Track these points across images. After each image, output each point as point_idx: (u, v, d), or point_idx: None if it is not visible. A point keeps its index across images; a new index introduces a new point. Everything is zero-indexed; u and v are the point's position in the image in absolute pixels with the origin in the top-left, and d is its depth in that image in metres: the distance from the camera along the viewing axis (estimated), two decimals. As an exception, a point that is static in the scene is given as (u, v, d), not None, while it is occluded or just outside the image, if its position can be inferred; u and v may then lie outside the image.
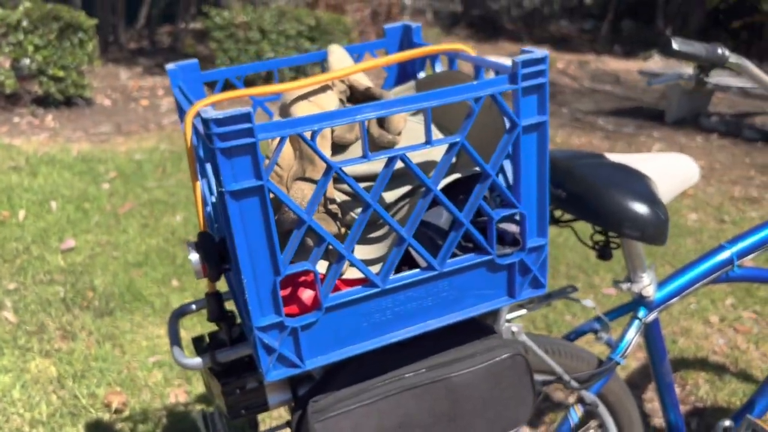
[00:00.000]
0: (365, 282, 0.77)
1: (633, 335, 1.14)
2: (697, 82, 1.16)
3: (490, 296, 0.83)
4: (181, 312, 0.95)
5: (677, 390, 2.04)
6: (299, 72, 5.65)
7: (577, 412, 1.13)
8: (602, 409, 1.22)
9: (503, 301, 0.84)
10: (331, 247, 0.78)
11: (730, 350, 2.24)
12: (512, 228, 0.81)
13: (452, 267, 0.78)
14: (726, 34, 7.77)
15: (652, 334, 1.19)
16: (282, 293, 0.76)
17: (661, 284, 1.17)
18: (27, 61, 4.87)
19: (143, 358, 2.11)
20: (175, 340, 0.88)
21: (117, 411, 1.87)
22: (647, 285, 1.12)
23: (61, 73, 4.92)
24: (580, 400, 1.12)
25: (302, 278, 0.78)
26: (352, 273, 0.79)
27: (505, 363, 0.90)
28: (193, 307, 0.96)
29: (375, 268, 0.79)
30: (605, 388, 1.18)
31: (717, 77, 4.94)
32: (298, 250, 0.78)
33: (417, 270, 0.78)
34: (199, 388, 1.99)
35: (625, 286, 1.14)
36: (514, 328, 0.98)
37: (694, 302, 2.53)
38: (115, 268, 2.67)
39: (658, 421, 1.90)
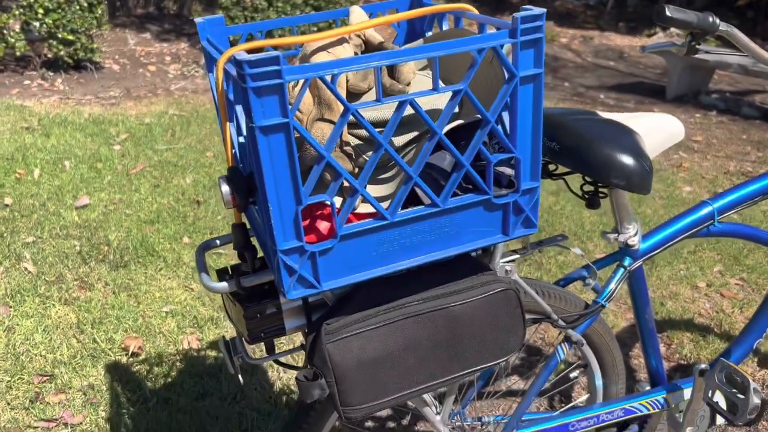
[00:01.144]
0: (376, 216, 0.86)
1: (618, 281, 1.24)
2: (689, 49, 1.24)
3: (487, 233, 0.92)
4: (207, 245, 1.05)
5: (663, 348, 2.15)
6: (319, 30, 5.68)
7: (563, 350, 1.23)
8: (587, 349, 1.32)
9: (498, 238, 0.93)
10: (346, 184, 0.88)
11: (715, 313, 2.35)
12: (508, 171, 0.90)
13: (453, 204, 0.87)
14: (731, 13, 7.77)
15: (636, 282, 1.29)
16: (302, 224, 0.86)
17: (645, 236, 1.26)
18: (36, 24, 4.92)
19: (157, 307, 2.22)
20: (202, 268, 0.98)
21: (134, 354, 1.99)
22: (633, 235, 1.22)
23: (70, 37, 4.97)
24: (567, 339, 1.22)
25: (319, 212, 0.87)
26: (364, 208, 0.88)
27: (499, 296, 1.00)
28: (218, 242, 1.06)
29: (384, 205, 0.88)
30: (590, 329, 1.28)
31: (718, 55, 4.99)
32: (317, 186, 0.87)
33: (422, 206, 0.87)
34: (211, 335, 2.10)
35: (612, 236, 1.24)
36: (508, 267, 1.08)
37: (684, 268, 2.63)
38: (129, 224, 2.77)
39: (643, 376, 2.01)
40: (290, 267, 0.82)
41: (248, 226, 1.00)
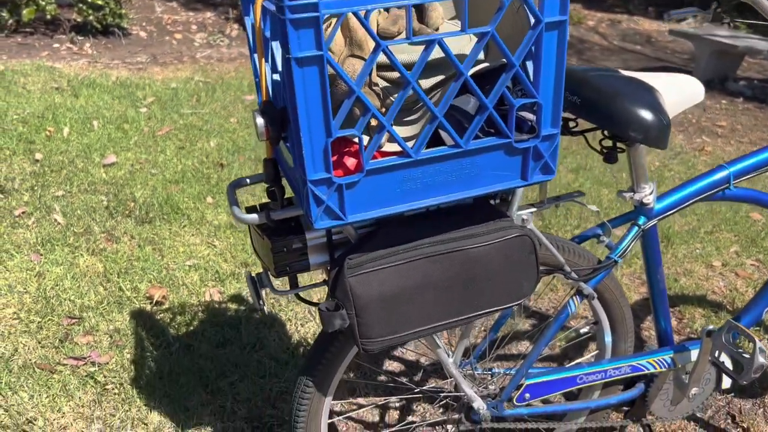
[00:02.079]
0: (401, 154, 0.90)
1: (631, 239, 1.27)
2: (714, 16, 1.26)
3: (506, 177, 0.96)
4: (237, 183, 1.10)
5: (674, 322, 2.18)
6: None
7: (575, 303, 1.27)
8: (597, 305, 1.36)
9: (517, 183, 0.97)
10: (374, 123, 0.92)
11: (728, 292, 2.37)
12: (529, 117, 0.94)
13: (475, 146, 0.91)
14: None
15: (649, 242, 1.33)
16: (331, 159, 0.90)
17: (660, 197, 1.29)
18: (67, -13, 4.99)
19: (181, 261, 2.29)
20: (233, 201, 1.03)
21: (158, 303, 2.06)
22: (648, 194, 1.25)
23: (99, 2, 5.03)
24: (579, 293, 1.26)
25: (347, 149, 0.92)
26: (390, 147, 0.92)
27: (515, 241, 1.04)
28: (248, 180, 1.11)
29: (409, 144, 0.92)
30: (602, 285, 1.32)
31: (749, 41, 4.92)
32: (346, 121, 0.91)
33: (445, 147, 0.91)
34: (232, 290, 2.17)
35: (627, 195, 1.27)
36: (525, 216, 1.12)
37: (700, 247, 2.65)
38: (154, 183, 2.84)
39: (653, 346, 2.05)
40: (318, 197, 0.87)
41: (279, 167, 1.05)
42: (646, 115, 1.06)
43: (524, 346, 1.99)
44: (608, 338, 1.43)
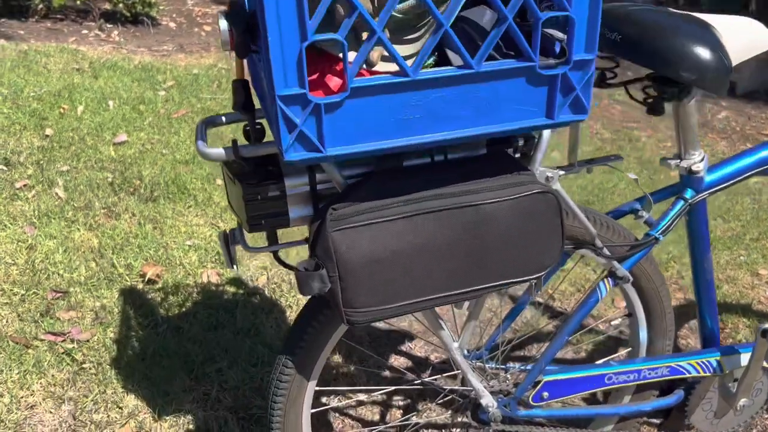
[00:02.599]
0: (397, 74, 0.74)
1: (676, 215, 1.08)
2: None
3: (527, 113, 0.79)
4: (211, 121, 0.95)
5: (716, 330, 1.96)
6: None
7: (606, 286, 1.08)
8: (632, 292, 1.17)
9: (541, 121, 0.80)
10: (364, 35, 0.75)
11: (778, 302, 2.14)
12: (558, 35, 0.76)
13: (489, 69, 0.74)
14: None
15: (696, 221, 1.13)
16: (310, 78, 0.74)
17: (711, 168, 1.10)
18: (98, -26, 4.96)
19: (181, 241, 2.15)
20: (200, 136, 0.88)
21: (150, 281, 1.92)
22: (698, 161, 1.06)
23: (130, -11, 4.99)
24: (611, 275, 1.07)
25: (331, 66, 0.75)
26: (384, 67, 0.76)
27: (536, 199, 0.86)
28: (223, 119, 0.96)
29: (408, 63, 0.75)
30: (639, 269, 1.13)
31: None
32: (328, 25, 0.75)
33: (452, 67, 0.74)
34: (232, 272, 2.02)
35: (673, 162, 1.08)
36: (549, 173, 0.93)
37: (744, 254, 2.42)
38: (163, 163, 2.72)
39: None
40: (290, 120, 0.71)
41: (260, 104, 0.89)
42: (703, 51, 0.88)
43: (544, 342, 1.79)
44: (643, 334, 1.24)
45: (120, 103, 3.33)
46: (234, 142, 0.84)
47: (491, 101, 0.76)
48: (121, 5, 5.09)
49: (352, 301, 0.84)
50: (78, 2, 5.05)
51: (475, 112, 0.76)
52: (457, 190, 0.84)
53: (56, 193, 2.38)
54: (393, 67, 0.74)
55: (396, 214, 0.82)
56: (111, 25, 5.16)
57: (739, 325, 2.00)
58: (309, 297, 1.00)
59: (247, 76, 0.85)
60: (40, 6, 5.05)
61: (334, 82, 0.74)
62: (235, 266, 0.95)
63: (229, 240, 0.95)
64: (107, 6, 5.26)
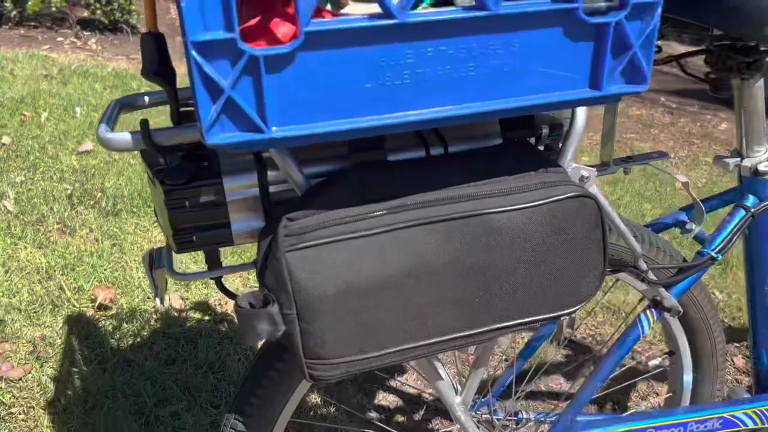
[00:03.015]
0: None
1: (736, 228, 0.85)
2: None
3: (564, 81, 0.55)
4: (127, 102, 0.71)
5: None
6: None
7: (650, 320, 0.84)
8: (676, 326, 0.93)
9: (582, 93, 0.56)
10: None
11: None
12: (610, -35, 0.53)
13: (511, 10, 0.51)
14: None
15: (759, 234, 0.90)
16: (248, 24, 0.51)
17: (781, 168, 0.87)
18: (75, -21, 4.74)
19: (141, 259, 1.90)
20: (107, 119, 0.64)
21: (102, 307, 1.67)
22: (765, 160, 0.83)
23: (108, -5, 4.78)
24: (656, 304, 0.84)
25: (280, 7, 0.52)
26: (357, 7, 0.52)
27: (570, 206, 0.63)
28: (146, 98, 0.72)
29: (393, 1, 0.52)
30: (687, 297, 0.89)
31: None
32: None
33: (458, 7, 0.51)
34: (197, 296, 1.77)
35: (732, 161, 0.85)
36: (585, 172, 0.70)
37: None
38: (130, 173, 2.47)
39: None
40: (212, 81, 0.47)
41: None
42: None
43: (562, 382, 1.54)
44: (688, 377, 1.00)
45: (88, 110, 3.09)
46: (144, 123, 0.60)
47: (513, 60, 0.53)
48: (99, 12, 4.88)
49: (317, 350, 0.60)
50: (54, 9, 4.83)
51: (489, 76, 0.53)
52: (460, 193, 0.61)
53: (4, 206, 2.13)
54: (372, 8, 0.50)
55: (377, 226, 0.59)
56: (88, 33, 4.94)
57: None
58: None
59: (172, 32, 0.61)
60: (14, 13, 4.82)
61: (282, 30, 0.50)
62: (160, 300, 0.71)
63: (153, 263, 0.71)
64: (85, 14, 5.05)
